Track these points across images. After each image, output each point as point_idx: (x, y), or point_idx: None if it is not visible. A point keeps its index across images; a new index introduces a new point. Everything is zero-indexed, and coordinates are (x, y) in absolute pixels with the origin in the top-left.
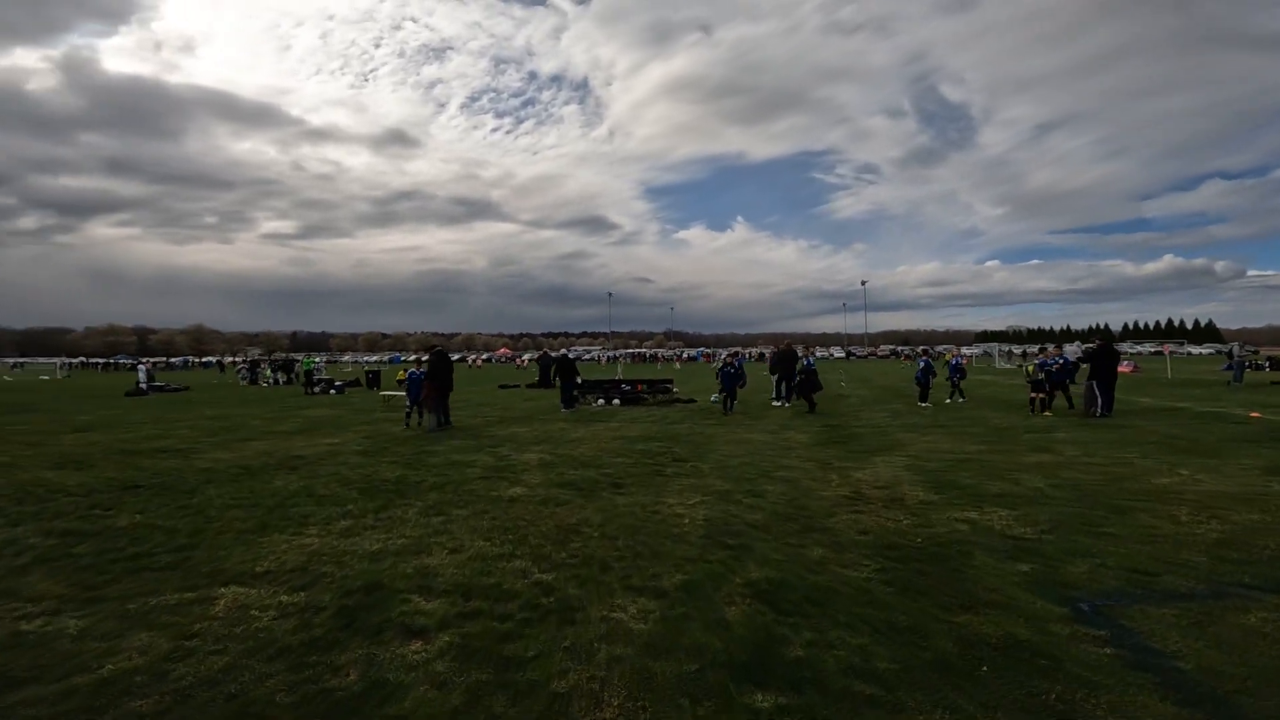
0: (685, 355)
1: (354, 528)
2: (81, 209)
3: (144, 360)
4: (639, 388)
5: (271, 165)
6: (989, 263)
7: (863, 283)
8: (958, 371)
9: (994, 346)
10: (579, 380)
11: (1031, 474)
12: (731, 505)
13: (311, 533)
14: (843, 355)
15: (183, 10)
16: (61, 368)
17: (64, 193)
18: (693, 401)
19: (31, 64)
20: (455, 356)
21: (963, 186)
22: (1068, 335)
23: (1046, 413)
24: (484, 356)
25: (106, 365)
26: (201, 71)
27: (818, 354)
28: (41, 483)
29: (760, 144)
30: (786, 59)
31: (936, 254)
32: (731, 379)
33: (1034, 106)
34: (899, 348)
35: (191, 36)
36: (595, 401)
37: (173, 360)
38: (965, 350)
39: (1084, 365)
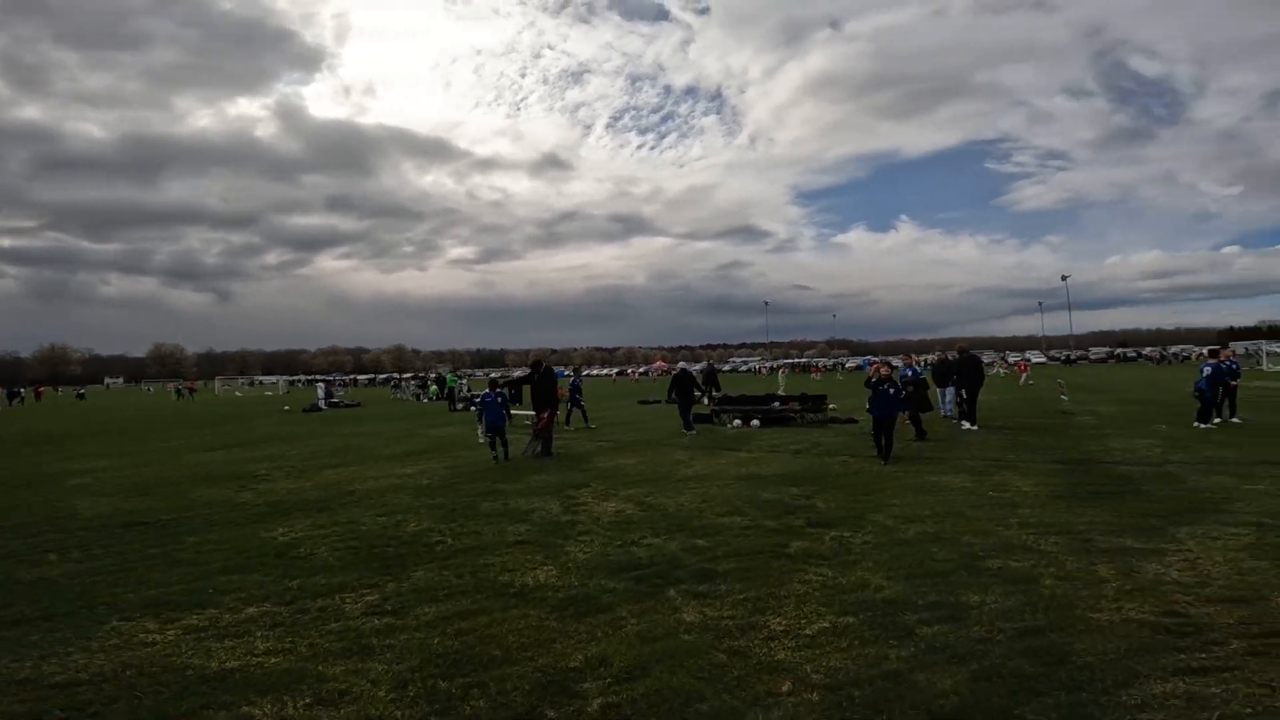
0: (849, 364)
1: (256, 619)
2: (312, 244)
3: (324, 378)
4: (789, 405)
5: (451, 195)
6: (1227, 249)
7: (1064, 277)
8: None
9: (1261, 345)
10: (708, 395)
11: None
12: (898, 641)
13: (193, 619)
14: (1043, 361)
15: (359, 55)
16: (286, 385)
17: (297, 230)
18: (854, 422)
19: (254, 112)
20: (615, 371)
21: (1183, 166)
22: None
23: None
24: (641, 370)
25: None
26: (385, 111)
27: (1009, 358)
28: (71, 513)
29: (920, 136)
30: (935, 45)
31: (1158, 242)
32: (889, 403)
33: (1259, 74)
34: (1120, 350)
35: (371, 80)
36: (731, 422)
37: (359, 378)
38: (1205, 350)
39: None
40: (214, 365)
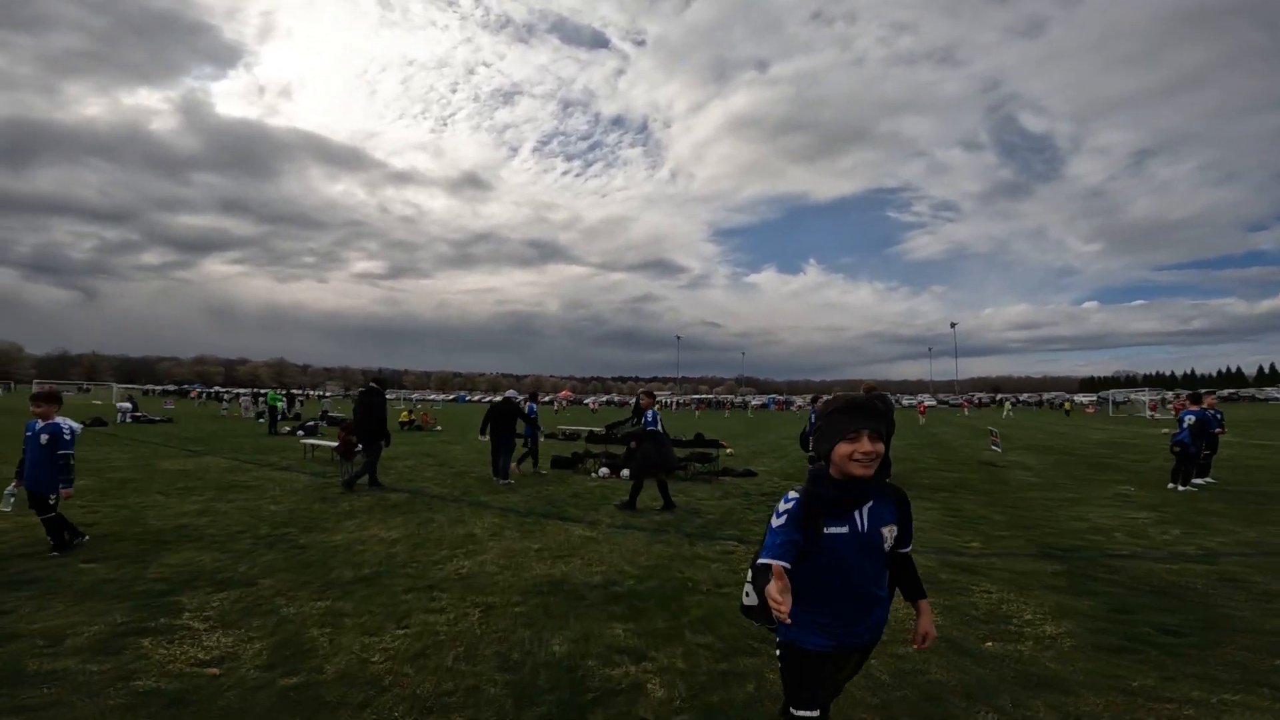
0: (756, 402)
1: None
2: (199, 246)
3: (134, 387)
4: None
5: (360, 207)
6: (1087, 304)
7: (953, 325)
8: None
9: (1136, 392)
10: (526, 437)
11: None
12: None
13: None
14: (933, 403)
15: (280, 56)
16: (126, 396)
17: (183, 230)
18: (752, 475)
19: (154, 104)
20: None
21: (1053, 221)
22: (1192, 380)
23: None
24: (545, 398)
25: (179, 394)
26: (299, 115)
27: (896, 401)
28: None
29: (827, 182)
30: (847, 93)
31: (1027, 295)
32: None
33: (1128, 132)
34: (996, 395)
35: (289, 81)
36: (597, 470)
37: (217, 390)
38: (1080, 398)
39: None
40: (59, 368)
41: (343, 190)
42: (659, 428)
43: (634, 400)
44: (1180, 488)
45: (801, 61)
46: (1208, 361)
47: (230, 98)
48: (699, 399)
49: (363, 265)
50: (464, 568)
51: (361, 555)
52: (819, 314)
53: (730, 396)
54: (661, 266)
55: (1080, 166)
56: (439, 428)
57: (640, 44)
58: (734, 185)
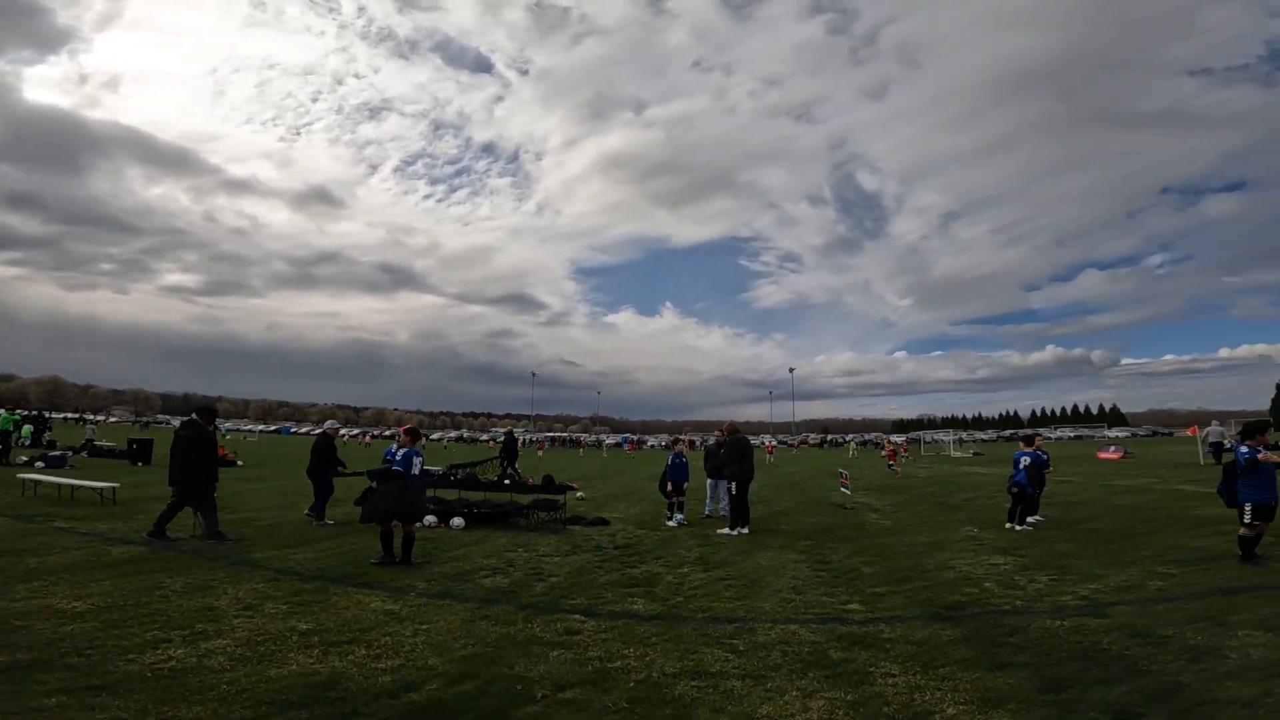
0: (610, 440)
1: None
2: None
3: None
4: (532, 487)
5: (182, 214)
6: (898, 354)
7: (791, 370)
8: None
9: (940, 433)
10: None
11: None
12: None
13: None
14: (775, 443)
15: (118, 45)
16: None
17: None
18: (604, 523)
19: None
20: (359, 432)
21: (877, 276)
22: (981, 422)
23: None
24: (372, 434)
25: None
26: (125, 109)
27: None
28: None
29: (688, 227)
30: (716, 141)
31: (853, 344)
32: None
33: (941, 194)
34: (826, 434)
35: (120, 73)
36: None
37: None
38: (895, 438)
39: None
40: None
41: (161, 194)
42: (407, 467)
43: (501, 436)
44: (1018, 527)
45: (677, 106)
46: (991, 406)
47: (44, 85)
48: (549, 436)
49: (176, 278)
50: (174, 658)
51: (10, 636)
52: (674, 356)
53: (585, 435)
54: (522, 301)
55: (901, 225)
56: (240, 462)
57: (524, 73)
58: (601, 224)
